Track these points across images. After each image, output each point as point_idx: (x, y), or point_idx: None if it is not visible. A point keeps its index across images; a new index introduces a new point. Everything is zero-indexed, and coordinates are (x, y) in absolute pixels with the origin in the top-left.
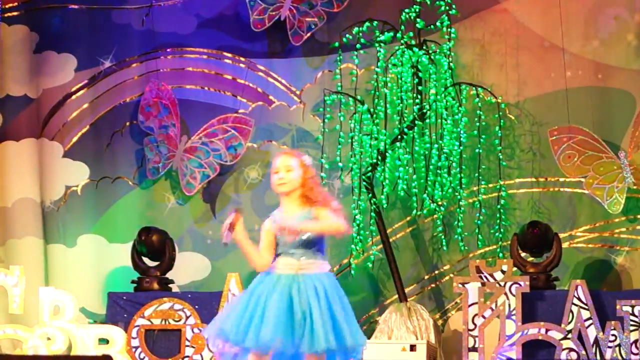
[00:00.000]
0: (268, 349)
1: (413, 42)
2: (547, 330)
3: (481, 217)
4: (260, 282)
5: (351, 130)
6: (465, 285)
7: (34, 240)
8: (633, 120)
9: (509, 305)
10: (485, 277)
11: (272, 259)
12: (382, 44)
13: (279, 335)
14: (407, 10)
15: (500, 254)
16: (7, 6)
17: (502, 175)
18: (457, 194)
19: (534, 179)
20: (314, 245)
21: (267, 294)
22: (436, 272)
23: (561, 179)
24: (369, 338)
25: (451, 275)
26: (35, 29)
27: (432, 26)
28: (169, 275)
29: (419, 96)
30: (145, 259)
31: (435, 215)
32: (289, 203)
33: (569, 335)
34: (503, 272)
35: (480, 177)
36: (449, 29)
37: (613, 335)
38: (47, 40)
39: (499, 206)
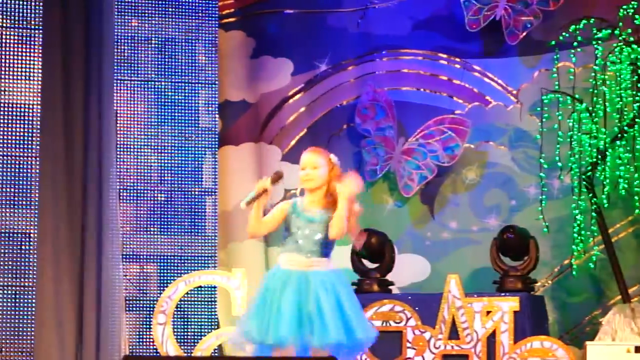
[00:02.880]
0: (285, 344)
1: (632, 38)
2: None
3: None
4: (271, 278)
5: (570, 130)
6: None
7: (255, 243)
8: None
9: None
10: None
11: (264, 233)
12: (599, 42)
13: (293, 330)
14: (625, 7)
15: None
16: (224, 12)
17: None
18: None
19: None
20: (324, 246)
21: (280, 291)
22: None
23: None
24: (592, 339)
25: None
26: (252, 35)
27: None
28: (388, 277)
29: (639, 93)
30: (365, 261)
31: None
32: (312, 200)
33: None
34: None
35: None
36: None
37: None
38: (264, 46)
39: None
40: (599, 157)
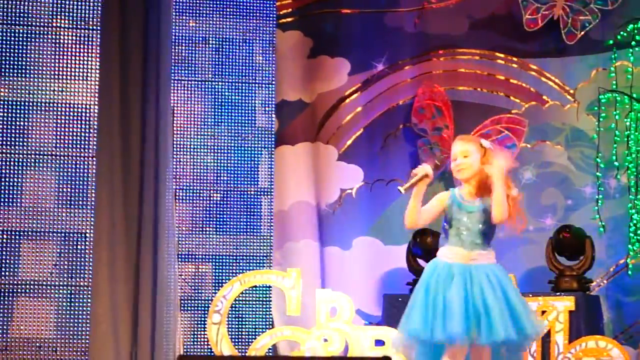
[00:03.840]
0: (456, 341)
1: None
2: None
3: None
4: (432, 273)
5: (627, 129)
6: None
7: (310, 243)
8: None
9: None
10: None
11: (423, 224)
12: None
13: (466, 327)
14: None
15: None
16: (281, 12)
17: None
18: None
19: None
20: (486, 237)
21: (444, 286)
22: None
23: None
24: None
25: None
26: (309, 35)
27: None
28: None
29: None
30: (421, 261)
31: None
32: (469, 190)
33: None
34: None
35: None
36: None
37: None
38: (321, 45)
39: None
40: None
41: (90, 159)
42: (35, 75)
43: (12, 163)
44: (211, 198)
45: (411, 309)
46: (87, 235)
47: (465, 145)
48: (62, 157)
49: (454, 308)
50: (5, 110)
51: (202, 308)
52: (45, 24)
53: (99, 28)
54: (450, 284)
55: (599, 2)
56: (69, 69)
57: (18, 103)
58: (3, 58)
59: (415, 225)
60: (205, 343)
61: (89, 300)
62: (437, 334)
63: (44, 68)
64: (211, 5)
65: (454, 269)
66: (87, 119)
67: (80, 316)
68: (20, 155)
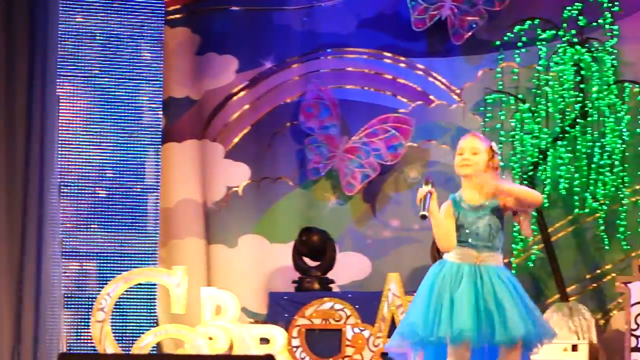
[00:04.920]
0: (462, 339)
1: (575, 39)
2: None
3: None
4: (437, 273)
5: (512, 129)
6: (628, 284)
7: (196, 240)
8: None
9: None
10: None
11: (455, 243)
12: (543, 42)
13: (473, 325)
14: (569, 8)
15: None
16: (170, 9)
17: None
18: (619, 192)
19: None
20: (494, 239)
21: (452, 285)
22: (598, 271)
23: None
24: None
25: (613, 274)
26: (197, 31)
27: (594, 23)
28: (329, 275)
29: (581, 94)
30: (306, 259)
31: (597, 214)
32: (469, 188)
33: None
34: None
35: None
36: (611, 26)
37: None
38: (209, 42)
39: None
40: (541, 156)
41: None
42: None
43: None
44: (96, 194)
45: (411, 308)
46: None
47: (476, 143)
48: None
49: (463, 305)
50: None
51: (86, 305)
52: None
53: None
54: (457, 283)
55: (486, 3)
56: None
57: None
58: None
59: (451, 248)
60: (89, 341)
61: None
62: (443, 328)
63: None
64: (99, 0)
65: (463, 269)
66: None
67: None
68: None
